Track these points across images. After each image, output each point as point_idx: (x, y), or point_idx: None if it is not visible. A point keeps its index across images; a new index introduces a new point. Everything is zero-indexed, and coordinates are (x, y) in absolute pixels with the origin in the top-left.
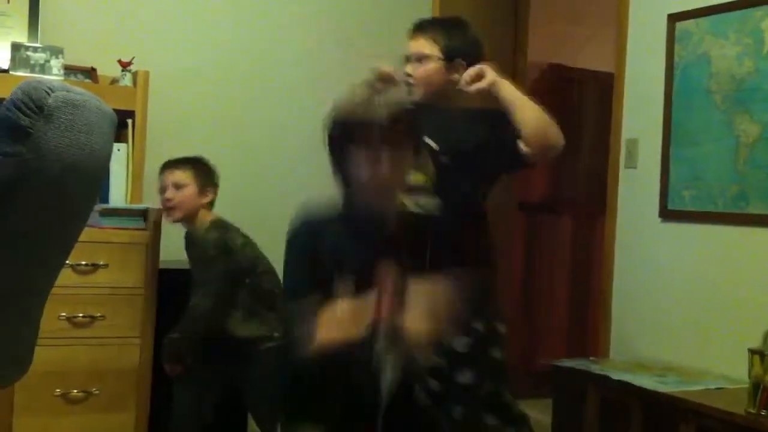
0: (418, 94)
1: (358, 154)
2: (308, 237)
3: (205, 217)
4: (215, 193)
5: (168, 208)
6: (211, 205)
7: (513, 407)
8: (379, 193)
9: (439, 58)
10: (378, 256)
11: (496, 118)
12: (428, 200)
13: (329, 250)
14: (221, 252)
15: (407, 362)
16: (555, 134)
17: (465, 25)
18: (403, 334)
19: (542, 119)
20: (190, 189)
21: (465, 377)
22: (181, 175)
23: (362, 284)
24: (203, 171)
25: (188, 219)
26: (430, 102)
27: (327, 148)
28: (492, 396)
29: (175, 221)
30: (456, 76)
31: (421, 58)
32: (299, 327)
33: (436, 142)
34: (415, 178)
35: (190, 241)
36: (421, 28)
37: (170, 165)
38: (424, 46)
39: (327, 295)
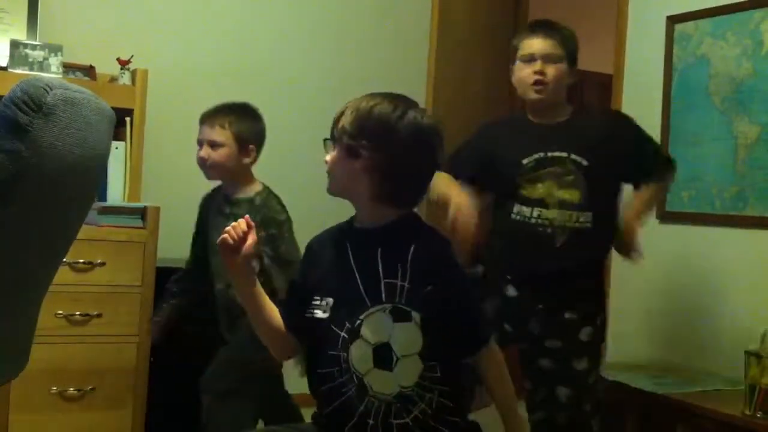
0: (547, 98)
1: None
2: (306, 257)
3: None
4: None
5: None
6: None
7: (601, 397)
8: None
9: (565, 61)
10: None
11: (622, 126)
12: (585, 215)
13: (318, 271)
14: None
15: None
16: None
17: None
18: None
19: None
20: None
21: (581, 364)
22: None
23: (340, 307)
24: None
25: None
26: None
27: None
28: (594, 383)
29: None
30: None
31: (553, 59)
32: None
33: (583, 158)
34: (570, 194)
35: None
36: (544, 27)
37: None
38: (555, 47)
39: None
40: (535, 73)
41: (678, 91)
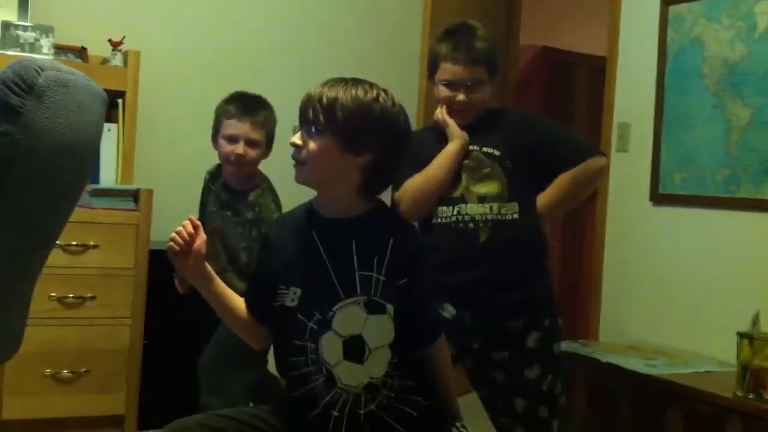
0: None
1: None
2: (264, 246)
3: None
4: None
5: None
6: None
7: (560, 398)
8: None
9: (488, 82)
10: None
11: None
12: (508, 206)
13: (280, 260)
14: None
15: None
16: None
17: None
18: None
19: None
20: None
21: (532, 372)
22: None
23: (309, 297)
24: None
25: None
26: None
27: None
28: (549, 388)
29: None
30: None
31: (477, 86)
32: None
33: (495, 149)
34: (488, 187)
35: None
36: (466, 50)
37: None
38: (479, 72)
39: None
40: (459, 102)
41: (671, 73)
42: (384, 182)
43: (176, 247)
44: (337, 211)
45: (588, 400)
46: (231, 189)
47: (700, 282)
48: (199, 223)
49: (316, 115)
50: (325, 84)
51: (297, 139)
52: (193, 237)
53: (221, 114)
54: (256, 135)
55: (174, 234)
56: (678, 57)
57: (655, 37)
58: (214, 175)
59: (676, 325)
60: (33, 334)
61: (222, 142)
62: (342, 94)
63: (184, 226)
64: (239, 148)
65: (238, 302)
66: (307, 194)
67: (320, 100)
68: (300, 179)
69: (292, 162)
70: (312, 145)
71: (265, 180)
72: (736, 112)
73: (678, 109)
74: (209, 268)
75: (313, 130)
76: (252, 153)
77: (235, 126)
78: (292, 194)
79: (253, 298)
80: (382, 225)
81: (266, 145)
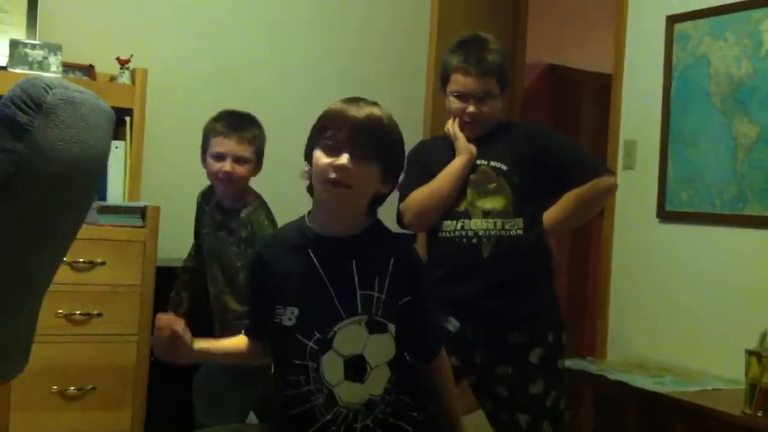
0: (479, 131)
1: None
2: (257, 265)
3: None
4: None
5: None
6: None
7: (564, 414)
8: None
9: (499, 94)
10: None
11: (541, 132)
12: (513, 222)
13: (275, 279)
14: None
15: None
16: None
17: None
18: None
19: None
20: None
21: (536, 388)
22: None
23: (308, 317)
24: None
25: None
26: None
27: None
28: (553, 404)
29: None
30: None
31: (488, 98)
32: None
33: (503, 163)
34: (494, 202)
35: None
36: (477, 62)
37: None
38: (490, 84)
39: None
40: (469, 113)
41: (677, 91)
42: (383, 200)
43: (162, 356)
44: (336, 230)
45: (595, 418)
46: (223, 209)
47: (707, 299)
48: (171, 315)
49: (371, 140)
50: (358, 105)
51: (347, 161)
52: (177, 334)
53: (208, 132)
54: (244, 151)
55: (153, 343)
56: (684, 74)
57: (661, 54)
58: (206, 196)
59: (683, 343)
60: (40, 351)
61: (210, 160)
62: (386, 122)
63: (159, 330)
64: (226, 165)
65: (236, 344)
66: (301, 210)
67: (369, 125)
68: (342, 202)
69: (330, 183)
70: (361, 169)
71: (257, 197)
72: (743, 129)
73: (684, 127)
74: (198, 342)
75: (364, 154)
76: (240, 169)
77: (221, 143)
78: (285, 211)
79: (257, 317)
80: (381, 244)
81: (255, 162)
